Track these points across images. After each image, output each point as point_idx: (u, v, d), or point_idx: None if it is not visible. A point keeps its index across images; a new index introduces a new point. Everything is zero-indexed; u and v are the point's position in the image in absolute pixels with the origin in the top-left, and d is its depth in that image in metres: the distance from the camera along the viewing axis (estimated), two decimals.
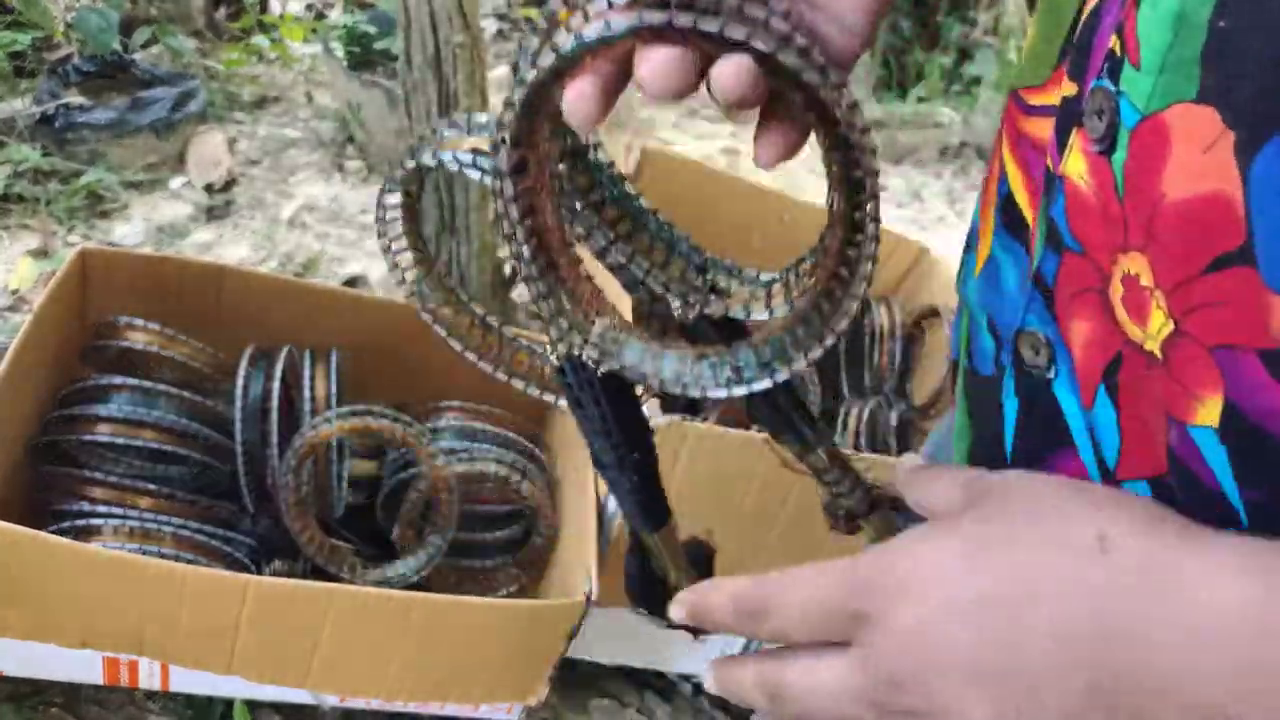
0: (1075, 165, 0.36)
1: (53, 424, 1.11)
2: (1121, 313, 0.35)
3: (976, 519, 0.34)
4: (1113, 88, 0.34)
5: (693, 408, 1.25)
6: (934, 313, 1.42)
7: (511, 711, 1.11)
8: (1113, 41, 0.34)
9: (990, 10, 3.05)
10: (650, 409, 1.14)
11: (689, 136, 2.60)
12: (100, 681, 1.04)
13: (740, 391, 0.39)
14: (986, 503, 0.35)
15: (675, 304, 0.41)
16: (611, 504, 1.10)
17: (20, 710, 1.10)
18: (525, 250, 0.38)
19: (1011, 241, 0.43)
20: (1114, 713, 0.30)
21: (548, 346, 0.40)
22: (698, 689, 1.31)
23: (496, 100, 2.29)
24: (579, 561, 1.07)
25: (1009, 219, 0.43)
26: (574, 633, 1.03)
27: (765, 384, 0.39)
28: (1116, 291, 0.35)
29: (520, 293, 1.71)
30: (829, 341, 0.37)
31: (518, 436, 1.27)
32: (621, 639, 1.21)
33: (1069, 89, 0.38)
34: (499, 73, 2.69)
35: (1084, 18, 0.38)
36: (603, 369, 0.40)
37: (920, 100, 2.95)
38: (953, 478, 0.38)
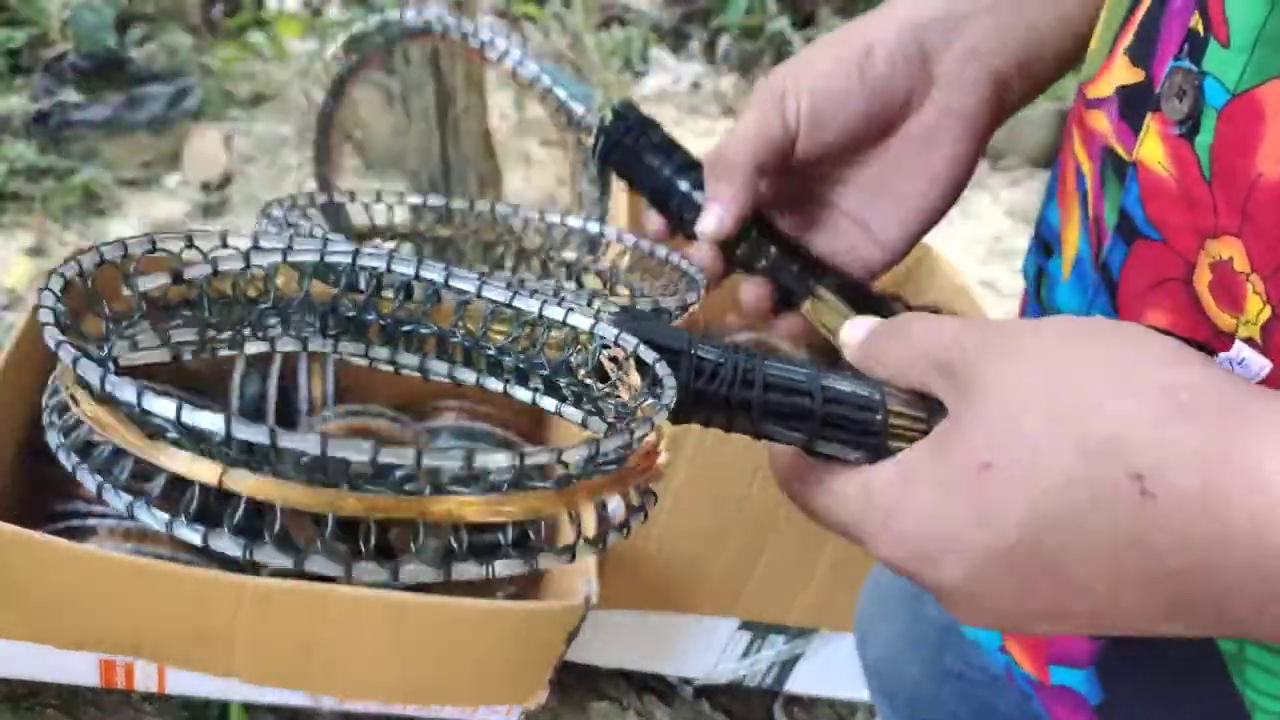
0: (1152, 150, 0.35)
1: None
2: (1209, 301, 0.34)
3: (976, 453, 0.29)
4: (1194, 68, 0.33)
5: None
6: (936, 311, 1.42)
7: (511, 714, 1.11)
8: (1194, 21, 0.34)
9: None
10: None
11: (690, 133, 2.60)
12: (97, 683, 1.03)
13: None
14: (975, 418, 0.30)
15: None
16: (611, 504, 1.09)
17: (17, 712, 1.10)
18: None
19: (1088, 236, 0.42)
20: (1188, 613, 0.28)
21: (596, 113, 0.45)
22: (698, 691, 1.30)
23: (495, 99, 2.29)
24: (579, 562, 1.06)
25: (1087, 216, 0.42)
26: (573, 635, 1.03)
27: None
28: (1203, 279, 0.34)
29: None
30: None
31: (517, 437, 1.27)
32: (621, 641, 1.21)
33: (1133, 76, 0.37)
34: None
35: (1145, 3, 0.38)
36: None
37: None
38: (912, 345, 0.33)
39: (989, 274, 2.24)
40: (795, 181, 0.50)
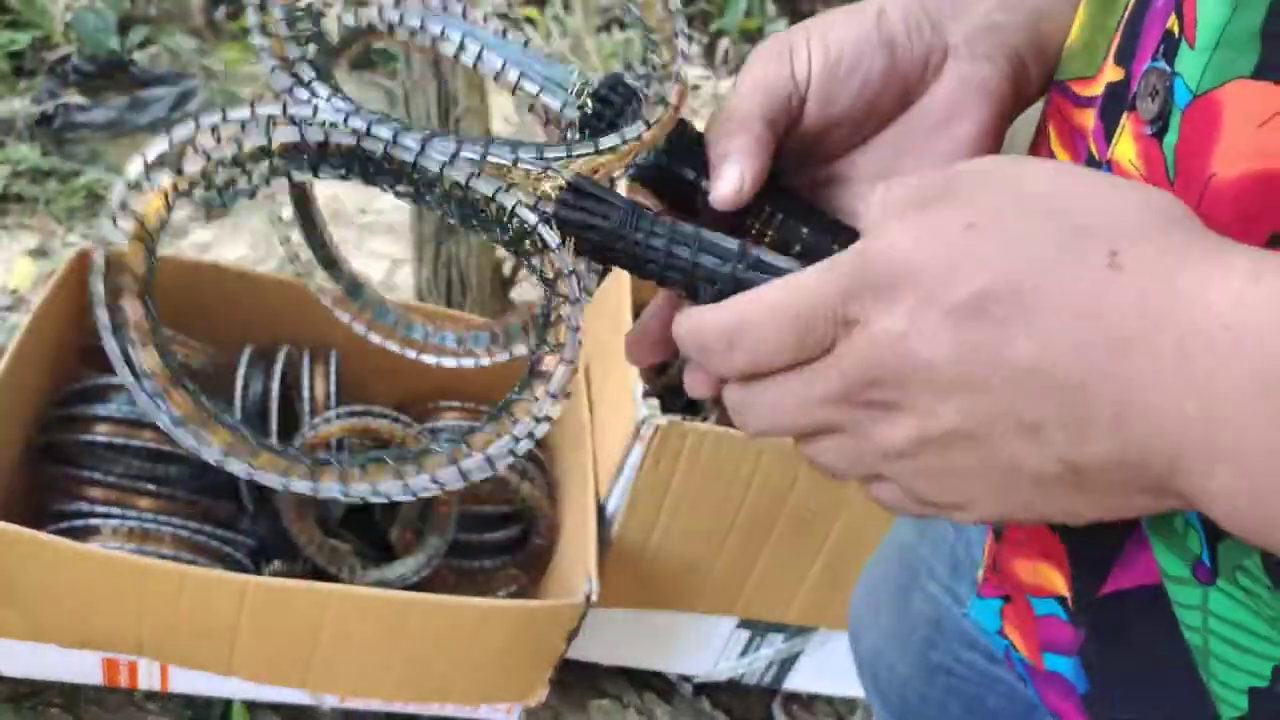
0: (1125, 150, 0.35)
1: (52, 424, 1.11)
2: None
3: (970, 206, 0.30)
4: (1168, 69, 0.33)
5: (693, 408, 1.25)
6: None
7: (511, 712, 1.11)
8: (1171, 21, 0.33)
9: None
10: (649, 408, 1.13)
11: None
12: (99, 682, 1.04)
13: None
14: (980, 190, 0.31)
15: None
16: (612, 504, 1.10)
17: (20, 711, 1.10)
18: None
19: None
20: (1083, 442, 0.28)
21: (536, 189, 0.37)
22: (698, 689, 1.31)
23: (496, 100, 2.29)
24: (579, 562, 1.07)
25: None
26: (574, 633, 1.03)
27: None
28: None
29: (520, 293, 1.71)
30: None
31: None
32: (621, 639, 1.21)
33: (1115, 74, 0.37)
34: None
35: (1131, 2, 0.37)
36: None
37: None
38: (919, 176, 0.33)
39: None
40: (798, 160, 0.43)
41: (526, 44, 0.42)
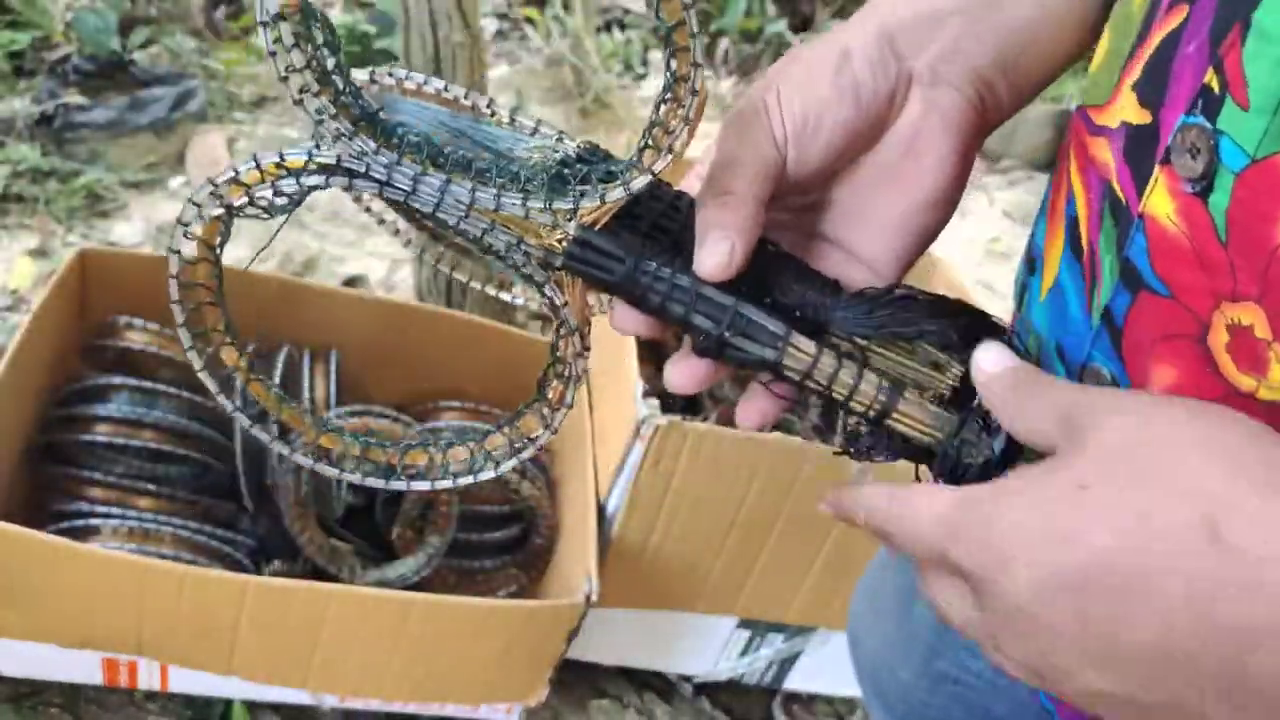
0: (1161, 205, 0.34)
1: (52, 424, 1.11)
2: (1226, 362, 0.34)
3: (1076, 476, 0.31)
4: (1209, 126, 0.32)
5: (693, 408, 1.25)
6: None
7: (511, 712, 1.11)
8: (1209, 77, 0.33)
9: None
10: (649, 408, 1.13)
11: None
12: (100, 682, 1.04)
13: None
14: (1083, 451, 0.32)
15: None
16: (612, 504, 1.10)
17: (20, 711, 1.10)
18: None
19: (1076, 265, 0.41)
20: (1234, 706, 0.29)
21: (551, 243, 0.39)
22: (698, 689, 1.31)
23: (497, 100, 2.29)
24: (579, 562, 1.07)
25: (1074, 242, 0.41)
26: (574, 633, 1.03)
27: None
28: (1219, 339, 0.34)
29: (516, 296, 1.71)
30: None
31: None
32: (621, 639, 1.21)
33: (1139, 116, 0.36)
34: (499, 72, 2.69)
35: (1155, 39, 0.36)
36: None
37: None
38: (1050, 402, 0.35)
39: (986, 275, 2.24)
40: (774, 199, 0.43)
41: (514, 120, 0.43)
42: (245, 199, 0.38)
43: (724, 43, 2.96)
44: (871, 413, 0.40)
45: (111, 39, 2.05)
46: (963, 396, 0.39)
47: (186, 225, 0.38)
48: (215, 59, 2.40)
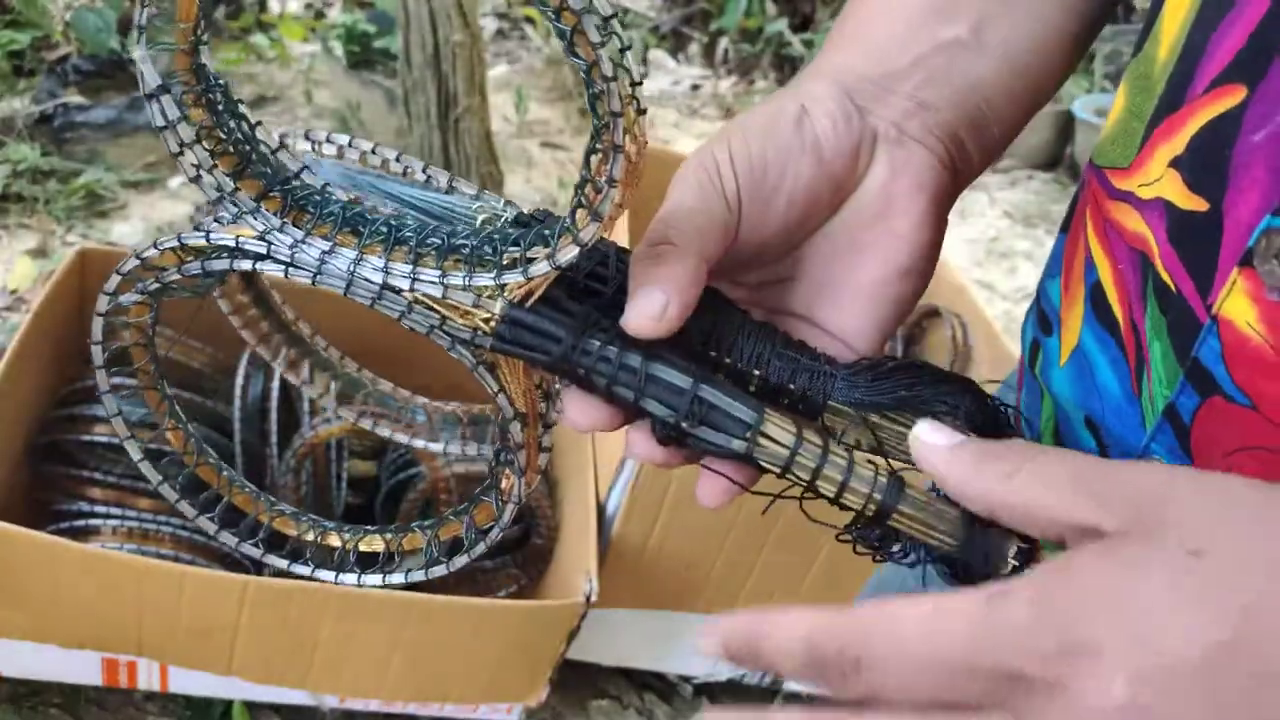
0: (1240, 309, 0.31)
1: (52, 424, 1.11)
2: None
3: (1170, 544, 0.26)
4: None
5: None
6: (934, 313, 1.43)
7: (511, 712, 1.11)
8: None
9: None
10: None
11: (689, 136, 2.60)
12: (99, 682, 1.04)
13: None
14: (1168, 522, 0.26)
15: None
16: (612, 504, 1.10)
17: (20, 711, 1.10)
18: None
19: (1105, 334, 0.38)
20: None
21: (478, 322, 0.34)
22: (698, 690, 1.31)
23: (496, 99, 2.29)
24: (579, 561, 1.07)
25: (1100, 310, 0.38)
26: (574, 634, 1.03)
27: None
28: None
29: None
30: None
31: None
32: (621, 640, 1.21)
33: (1188, 201, 0.33)
34: (498, 72, 2.69)
35: (1201, 115, 0.33)
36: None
37: None
38: (1071, 485, 0.29)
39: (987, 275, 2.24)
40: (738, 269, 0.40)
41: (451, 189, 0.38)
42: (158, 285, 0.37)
43: (724, 42, 2.96)
44: (868, 511, 0.35)
45: (111, 39, 2.05)
46: None
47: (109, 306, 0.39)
48: (214, 59, 2.40)
